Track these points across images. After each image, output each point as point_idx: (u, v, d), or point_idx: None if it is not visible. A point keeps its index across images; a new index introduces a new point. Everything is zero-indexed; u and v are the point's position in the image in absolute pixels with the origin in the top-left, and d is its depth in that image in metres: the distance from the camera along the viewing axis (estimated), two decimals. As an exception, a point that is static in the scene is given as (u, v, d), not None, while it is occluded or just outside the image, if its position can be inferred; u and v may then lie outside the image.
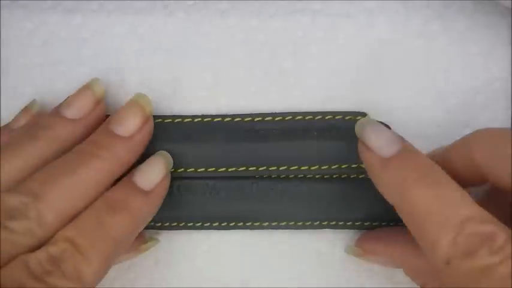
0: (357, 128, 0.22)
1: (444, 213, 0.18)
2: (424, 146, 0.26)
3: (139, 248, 0.24)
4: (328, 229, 0.25)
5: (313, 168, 0.25)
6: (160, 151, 0.24)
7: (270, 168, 0.25)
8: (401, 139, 0.21)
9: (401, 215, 0.20)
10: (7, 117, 0.25)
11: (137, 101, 0.23)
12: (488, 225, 0.18)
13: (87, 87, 0.23)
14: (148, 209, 0.22)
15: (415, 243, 0.19)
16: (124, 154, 0.22)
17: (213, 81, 0.26)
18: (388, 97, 0.26)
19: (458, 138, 0.26)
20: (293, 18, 0.26)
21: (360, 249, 0.24)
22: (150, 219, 0.22)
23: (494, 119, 0.26)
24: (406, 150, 0.21)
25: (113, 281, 0.25)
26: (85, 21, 0.25)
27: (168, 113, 0.25)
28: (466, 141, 0.21)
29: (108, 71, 0.25)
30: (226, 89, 0.26)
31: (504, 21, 0.26)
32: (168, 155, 0.24)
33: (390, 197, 0.20)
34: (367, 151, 0.21)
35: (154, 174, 0.22)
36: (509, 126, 0.26)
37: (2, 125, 0.25)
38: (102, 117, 0.23)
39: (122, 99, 0.25)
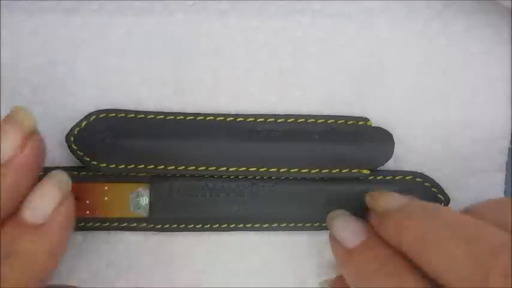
0: (327, 219, 0.23)
1: None
2: (424, 145, 0.26)
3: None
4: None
5: (313, 171, 0.25)
6: (52, 172, 0.20)
7: (271, 170, 0.25)
8: (367, 231, 0.21)
9: None
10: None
11: (12, 117, 0.19)
12: None
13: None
14: (44, 244, 0.18)
15: None
16: (8, 178, 0.18)
17: (213, 81, 0.26)
18: (388, 97, 0.26)
19: (458, 138, 0.26)
20: (293, 18, 0.26)
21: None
22: (57, 252, 0.19)
23: (494, 119, 0.26)
24: (369, 240, 0.20)
25: (113, 282, 0.25)
26: (85, 21, 0.25)
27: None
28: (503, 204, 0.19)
29: (108, 71, 0.25)
30: (226, 89, 0.26)
31: (504, 21, 0.26)
32: (63, 173, 0.20)
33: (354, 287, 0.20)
34: (334, 242, 0.21)
35: (44, 203, 0.18)
36: (509, 126, 0.26)
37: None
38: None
39: (122, 99, 0.25)
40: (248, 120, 0.25)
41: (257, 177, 0.25)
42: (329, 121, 0.25)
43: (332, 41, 0.26)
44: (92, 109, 0.25)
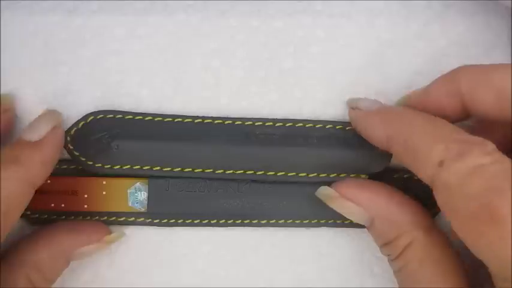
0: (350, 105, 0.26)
1: (437, 131, 0.20)
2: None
3: (103, 239, 0.24)
4: (328, 228, 0.25)
5: (311, 175, 0.25)
6: (48, 109, 0.24)
7: (268, 173, 0.25)
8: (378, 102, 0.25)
9: (395, 147, 0.22)
10: (7, 117, 0.25)
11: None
12: (478, 137, 0.19)
13: None
14: (40, 157, 0.22)
15: (397, 196, 0.23)
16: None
17: (214, 81, 0.26)
18: (388, 97, 0.26)
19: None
20: (293, 18, 0.26)
21: (335, 193, 0.24)
22: (45, 170, 0.23)
23: (494, 119, 0.26)
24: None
25: (113, 281, 0.25)
26: (85, 22, 0.25)
27: (168, 113, 0.25)
28: (452, 75, 0.22)
29: (108, 72, 0.25)
30: (226, 89, 0.26)
31: (504, 22, 0.26)
32: (56, 111, 0.24)
33: (384, 130, 0.22)
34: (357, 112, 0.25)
35: (41, 125, 0.23)
36: (509, 126, 0.26)
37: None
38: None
39: (123, 99, 0.25)
40: (246, 123, 0.25)
41: (258, 173, 0.25)
42: (328, 126, 0.25)
43: (333, 41, 0.26)
44: (92, 109, 0.25)
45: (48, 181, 0.24)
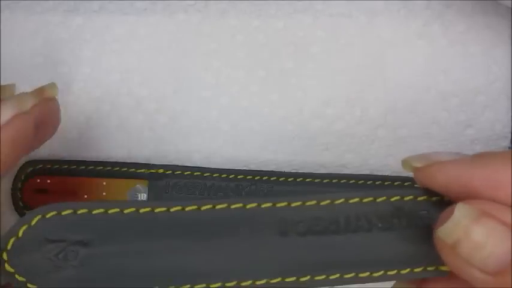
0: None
1: None
2: (424, 145, 0.26)
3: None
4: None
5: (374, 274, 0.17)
6: (18, 94, 0.20)
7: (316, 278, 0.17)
8: None
9: None
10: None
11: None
12: None
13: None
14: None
15: None
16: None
17: (214, 81, 0.26)
18: (388, 97, 0.26)
19: (458, 138, 0.26)
20: (294, 18, 0.26)
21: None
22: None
23: (494, 119, 0.26)
24: None
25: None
26: (86, 22, 0.25)
27: (169, 113, 0.25)
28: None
29: (108, 72, 0.25)
30: (226, 89, 0.26)
31: (504, 21, 0.26)
32: (27, 95, 0.20)
33: None
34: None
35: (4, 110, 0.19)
36: (510, 126, 0.26)
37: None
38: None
39: (123, 99, 0.25)
40: (278, 205, 0.17)
41: (256, 178, 0.25)
42: (393, 198, 0.18)
43: (333, 41, 0.26)
44: (92, 109, 0.25)
45: (48, 181, 0.24)
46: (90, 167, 0.25)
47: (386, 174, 0.26)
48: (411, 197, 0.17)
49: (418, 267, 0.17)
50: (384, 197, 0.17)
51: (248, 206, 0.17)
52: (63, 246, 0.16)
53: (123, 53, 0.25)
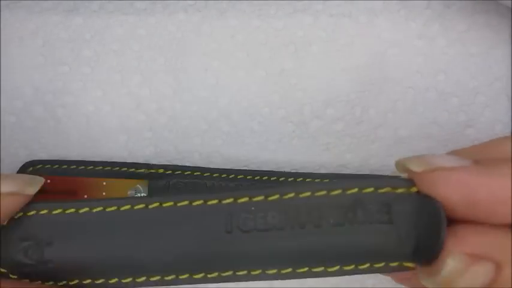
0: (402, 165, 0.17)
1: None
2: (424, 146, 0.26)
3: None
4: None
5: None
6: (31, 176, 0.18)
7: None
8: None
9: None
10: (7, 117, 0.25)
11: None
12: None
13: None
14: None
15: None
16: None
17: (214, 81, 0.26)
18: (388, 97, 0.26)
19: (458, 138, 0.26)
20: (294, 18, 0.26)
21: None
22: None
23: (494, 119, 0.26)
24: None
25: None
26: (86, 22, 0.25)
27: (169, 113, 0.25)
28: None
29: (108, 72, 0.25)
30: (227, 90, 0.26)
31: (504, 21, 0.26)
32: (33, 178, 0.18)
33: None
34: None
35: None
36: (510, 126, 0.26)
37: (2, 125, 0.25)
38: None
39: (123, 99, 0.25)
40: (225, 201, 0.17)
41: (256, 178, 0.25)
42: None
43: (333, 41, 0.26)
44: (92, 109, 0.25)
45: (48, 181, 0.24)
46: (90, 167, 0.25)
47: (386, 174, 0.26)
48: (371, 189, 0.16)
49: (379, 263, 0.17)
50: (339, 190, 0.16)
51: (194, 203, 0.17)
52: (32, 244, 0.17)
53: (123, 53, 0.25)
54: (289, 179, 0.25)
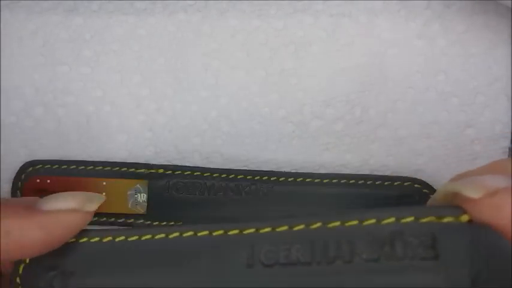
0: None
1: None
2: (425, 146, 0.26)
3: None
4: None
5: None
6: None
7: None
8: None
9: None
10: (7, 117, 0.25)
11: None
12: None
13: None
14: (33, 230, 0.16)
15: None
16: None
17: (214, 81, 0.26)
18: (388, 97, 0.26)
19: (458, 138, 0.26)
20: (294, 18, 0.26)
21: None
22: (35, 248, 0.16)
23: (494, 119, 0.26)
24: None
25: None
26: (86, 21, 0.25)
27: (169, 113, 0.25)
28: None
29: (108, 72, 0.25)
30: (227, 90, 0.26)
31: (504, 21, 0.26)
32: (93, 195, 0.18)
33: None
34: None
35: (59, 199, 0.17)
36: (510, 126, 0.26)
37: (2, 125, 0.25)
38: None
39: (123, 100, 0.25)
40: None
41: (256, 178, 0.25)
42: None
43: (333, 41, 0.26)
44: (92, 109, 0.25)
45: (48, 181, 0.24)
46: (90, 167, 0.25)
47: (386, 174, 0.26)
48: (411, 218, 0.14)
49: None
50: (373, 219, 0.14)
51: (215, 234, 0.16)
52: (56, 274, 0.16)
53: (123, 53, 0.25)
54: (289, 179, 0.25)
